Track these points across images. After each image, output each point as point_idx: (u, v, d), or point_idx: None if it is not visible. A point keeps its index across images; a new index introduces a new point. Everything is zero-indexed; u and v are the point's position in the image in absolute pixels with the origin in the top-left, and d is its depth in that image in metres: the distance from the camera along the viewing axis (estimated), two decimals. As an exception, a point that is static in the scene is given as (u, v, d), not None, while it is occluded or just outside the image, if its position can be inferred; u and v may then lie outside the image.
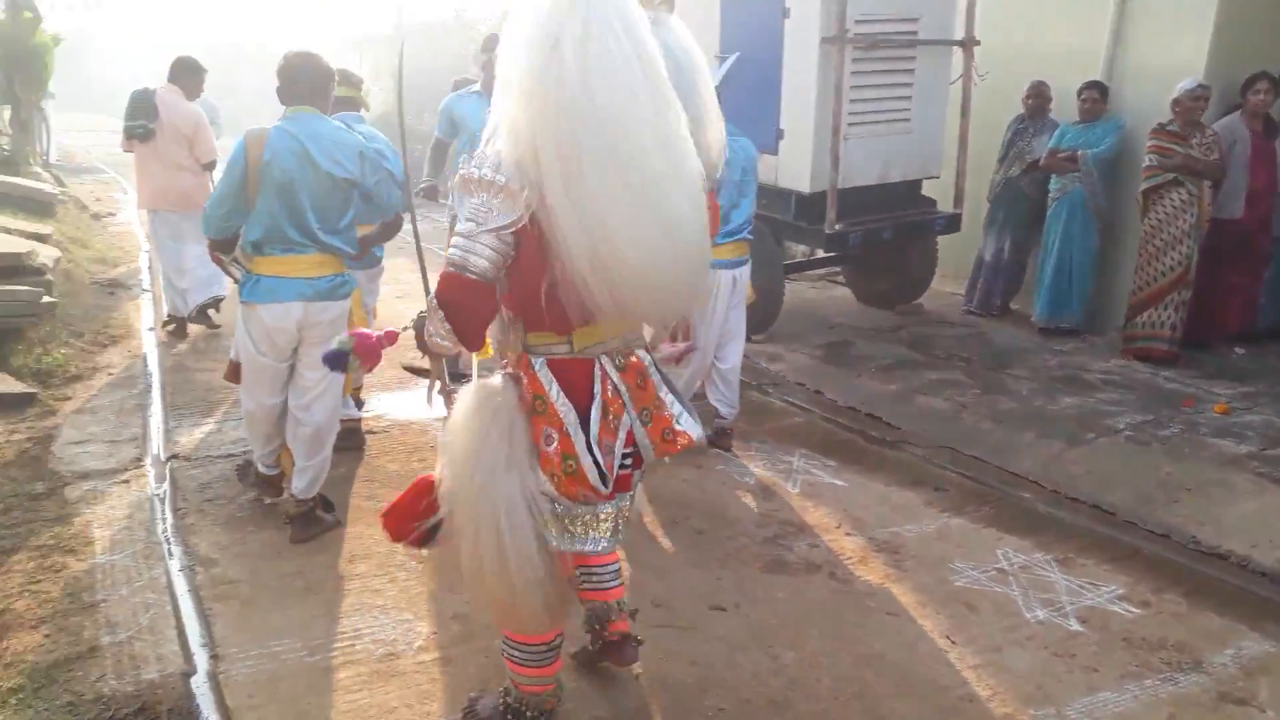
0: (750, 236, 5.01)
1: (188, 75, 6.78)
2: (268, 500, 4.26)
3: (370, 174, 3.88)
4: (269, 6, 33.06)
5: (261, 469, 4.24)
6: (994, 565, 3.88)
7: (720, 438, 5.04)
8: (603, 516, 2.56)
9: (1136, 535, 4.18)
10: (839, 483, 4.66)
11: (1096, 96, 6.72)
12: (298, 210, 3.64)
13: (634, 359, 2.56)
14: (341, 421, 4.29)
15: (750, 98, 7.00)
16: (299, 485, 3.97)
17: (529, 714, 2.76)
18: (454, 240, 2.34)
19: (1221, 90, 6.41)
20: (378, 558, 3.81)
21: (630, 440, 2.55)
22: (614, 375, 2.51)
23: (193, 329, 6.88)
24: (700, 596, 3.59)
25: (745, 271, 4.99)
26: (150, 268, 8.85)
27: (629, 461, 2.57)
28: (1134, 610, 3.55)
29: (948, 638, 3.36)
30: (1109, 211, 6.77)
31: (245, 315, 3.83)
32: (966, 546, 4.04)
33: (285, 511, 4.03)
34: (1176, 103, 6.07)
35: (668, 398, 2.59)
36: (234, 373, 4.16)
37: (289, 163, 3.59)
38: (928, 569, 3.84)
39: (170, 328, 6.86)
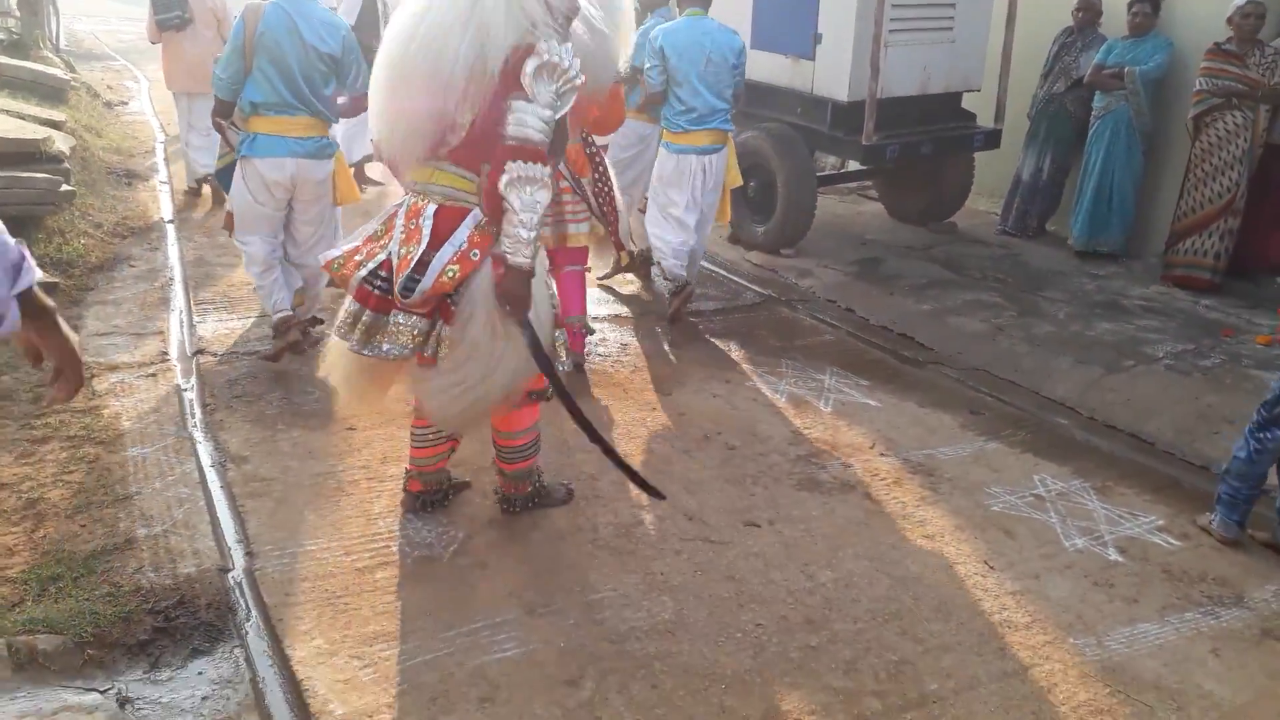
0: (727, 126, 5.33)
1: None
2: (279, 344, 4.56)
3: (348, 52, 4.40)
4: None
5: (275, 313, 4.60)
6: (1031, 491, 3.84)
7: (674, 298, 5.47)
8: (360, 321, 2.99)
9: (1176, 466, 4.12)
10: (872, 403, 4.59)
11: (1148, 11, 6.43)
12: (290, 76, 4.26)
13: (416, 203, 2.92)
14: None
15: (787, -1, 6.73)
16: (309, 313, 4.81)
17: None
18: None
19: (1282, 8, 6.14)
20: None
21: (410, 266, 2.86)
22: (404, 208, 2.94)
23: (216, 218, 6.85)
24: (734, 512, 3.57)
25: (717, 159, 5.33)
26: (166, 159, 8.69)
27: (406, 286, 2.86)
28: (1174, 542, 3.52)
29: (985, 563, 3.33)
30: (1154, 132, 6.55)
31: (244, 169, 4.42)
32: (1003, 471, 4.00)
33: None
34: (1230, 19, 5.82)
35: (420, 253, 2.84)
36: (231, 221, 4.69)
37: (280, 34, 4.21)
38: (964, 493, 3.80)
39: (188, 189, 7.50)
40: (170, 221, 6.82)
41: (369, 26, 7.05)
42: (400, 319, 2.95)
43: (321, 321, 4.86)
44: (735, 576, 3.18)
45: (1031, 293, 6.07)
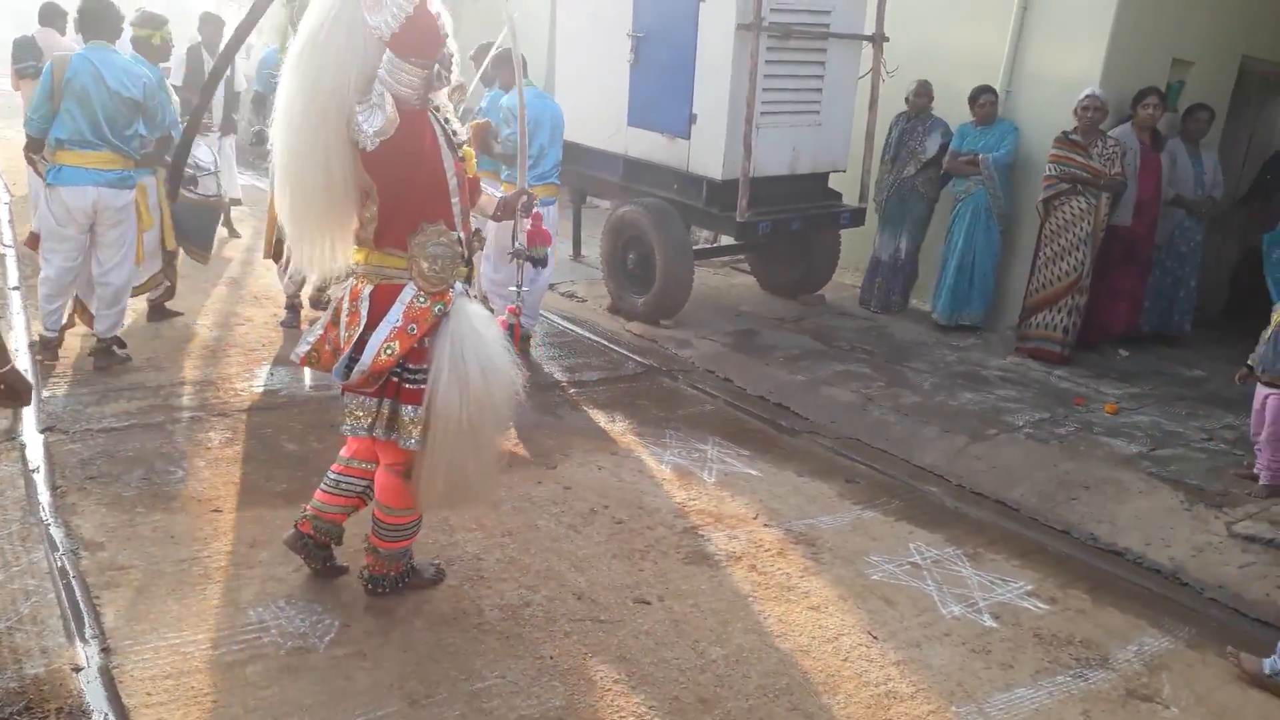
0: (558, 180, 6.24)
1: (58, 18, 7.59)
2: (45, 361, 5.12)
3: (150, 97, 4.99)
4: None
5: (45, 332, 5.15)
6: (908, 559, 3.95)
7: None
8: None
9: (1039, 531, 4.33)
10: (753, 472, 4.66)
11: (994, 99, 6.90)
12: (93, 117, 4.81)
13: (356, 285, 3.00)
14: None
15: (662, 80, 6.94)
16: (101, 327, 5.17)
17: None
18: None
19: (1116, 102, 6.70)
20: (280, 544, 3.57)
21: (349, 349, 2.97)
22: (346, 291, 3.03)
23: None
24: (623, 589, 3.53)
25: (554, 209, 6.19)
26: (10, 222, 8.19)
27: (345, 367, 2.97)
28: (1043, 606, 3.67)
29: (869, 633, 3.39)
30: (1009, 214, 6.98)
31: (49, 196, 4.93)
32: (880, 540, 4.10)
33: (90, 352, 5.21)
34: (1075, 111, 6.30)
35: (358, 334, 2.92)
36: (33, 241, 5.25)
37: (86, 80, 4.77)
38: (844, 562, 3.88)
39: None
40: (15, 288, 6.41)
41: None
42: (351, 400, 3.01)
43: (125, 345, 5.30)
44: (627, 657, 3.13)
45: (898, 364, 6.32)
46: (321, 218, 2.95)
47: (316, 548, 3.36)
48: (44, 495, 3.81)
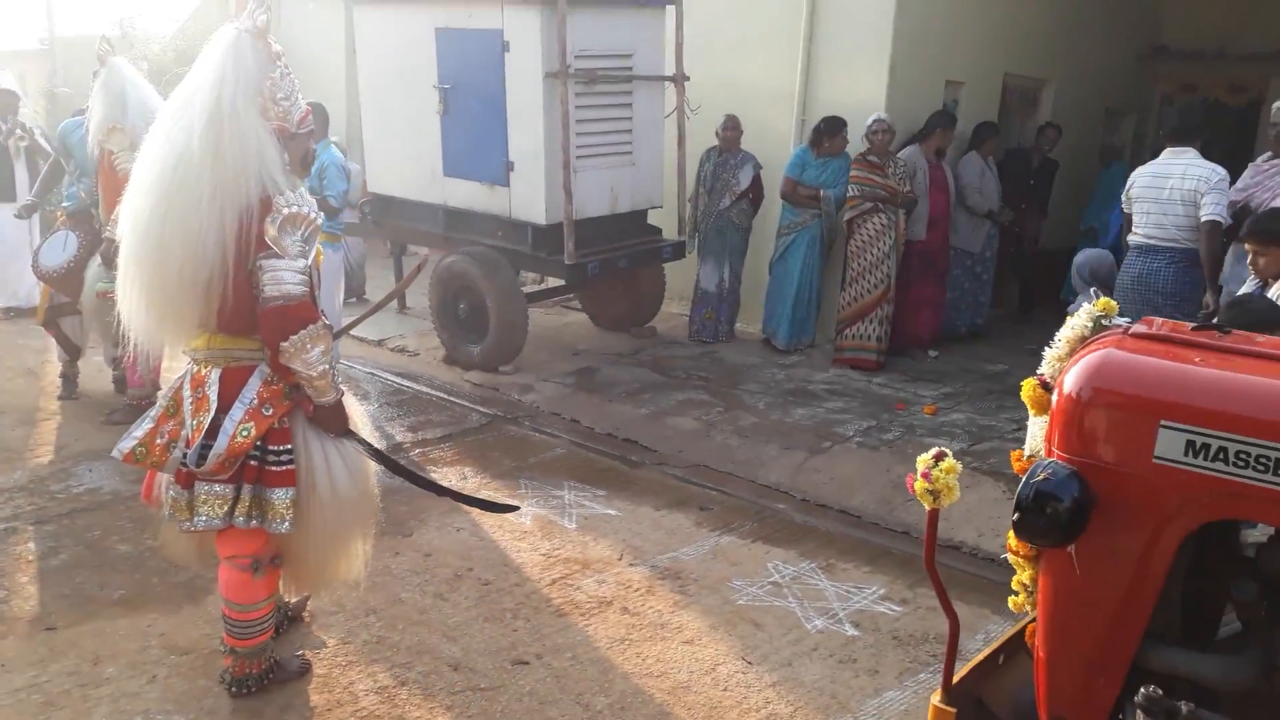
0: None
1: None
2: None
3: None
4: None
5: None
6: (768, 579, 4.12)
7: None
8: (180, 499, 2.92)
9: (883, 535, 4.60)
10: (612, 512, 4.74)
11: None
12: None
13: (200, 372, 2.94)
14: None
15: (475, 129, 6.96)
16: None
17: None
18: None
19: (907, 124, 7.20)
20: (128, 655, 3.38)
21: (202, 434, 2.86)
22: (187, 379, 2.96)
23: None
24: (499, 652, 3.52)
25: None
26: None
27: (200, 454, 2.85)
28: (896, 609, 3.91)
29: (744, 659, 3.52)
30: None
31: None
32: (740, 564, 4.26)
33: None
34: (866, 135, 6.75)
35: (210, 419, 2.84)
36: None
37: None
38: (710, 591, 4.01)
39: None
40: None
41: None
42: (204, 488, 2.89)
43: None
44: (513, 721, 3.13)
45: (733, 388, 6.56)
46: (194, 296, 2.79)
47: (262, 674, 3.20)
48: None
